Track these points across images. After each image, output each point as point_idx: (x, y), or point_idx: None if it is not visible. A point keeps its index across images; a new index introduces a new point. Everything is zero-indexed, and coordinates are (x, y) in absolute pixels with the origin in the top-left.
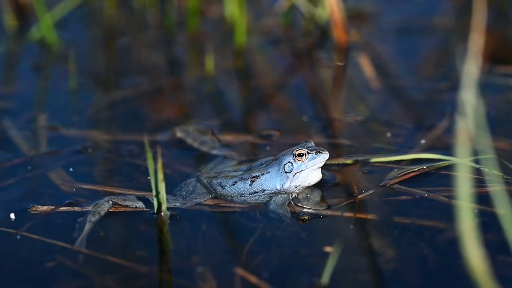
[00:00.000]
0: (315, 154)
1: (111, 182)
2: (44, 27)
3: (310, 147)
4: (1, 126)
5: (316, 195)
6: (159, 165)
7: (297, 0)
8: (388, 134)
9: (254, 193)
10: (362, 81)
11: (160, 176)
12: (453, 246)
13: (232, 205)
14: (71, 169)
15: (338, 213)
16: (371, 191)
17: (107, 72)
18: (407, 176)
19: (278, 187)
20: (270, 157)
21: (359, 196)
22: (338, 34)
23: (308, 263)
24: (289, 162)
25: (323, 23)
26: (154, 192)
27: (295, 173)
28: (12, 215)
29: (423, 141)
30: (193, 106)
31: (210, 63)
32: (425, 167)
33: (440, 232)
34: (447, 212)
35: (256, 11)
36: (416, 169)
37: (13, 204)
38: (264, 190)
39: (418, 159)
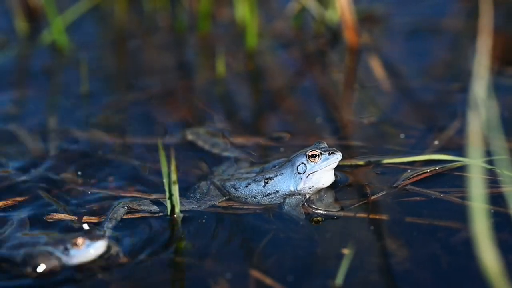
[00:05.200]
0: (328, 155)
1: (123, 185)
2: (56, 30)
3: (323, 148)
4: (13, 130)
5: (329, 197)
6: (173, 167)
7: (308, 3)
8: (402, 135)
9: (267, 194)
10: (374, 83)
11: (174, 178)
12: (467, 247)
13: (245, 207)
14: (79, 173)
15: (351, 214)
16: (384, 192)
17: (118, 75)
18: (419, 177)
19: (292, 189)
20: (283, 159)
21: (372, 197)
22: (349, 36)
23: (322, 264)
24: (302, 163)
25: (334, 25)
26: (167, 195)
27: (309, 174)
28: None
29: (436, 142)
30: (204, 108)
31: (221, 65)
32: (437, 168)
33: (453, 233)
34: (460, 213)
35: (267, 14)
36: (428, 170)
37: (29, 210)
38: (277, 191)
39: (431, 160)
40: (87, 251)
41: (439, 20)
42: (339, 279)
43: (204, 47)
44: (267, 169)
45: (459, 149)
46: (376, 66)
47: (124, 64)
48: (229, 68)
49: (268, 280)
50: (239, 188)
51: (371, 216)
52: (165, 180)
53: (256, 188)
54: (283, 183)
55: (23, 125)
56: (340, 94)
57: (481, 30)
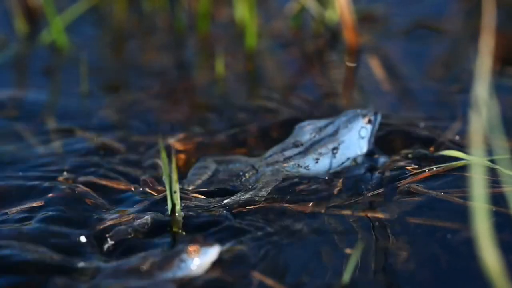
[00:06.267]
0: (374, 115)
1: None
2: (55, 30)
3: (366, 111)
4: (13, 130)
5: (329, 194)
6: (173, 166)
7: (307, 3)
8: (422, 124)
9: (341, 163)
10: (373, 83)
11: (174, 176)
12: (468, 247)
13: (246, 205)
14: (65, 173)
15: (349, 213)
16: (384, 191)
17: (118, 75)
18: (420, 177)
19: (359, 152)
20: (310, 131)
21: (369, 195)
22: (349, 36)
23: (321, 264)
24: (363, 127)
25: (333, 25)
26: (168, 192)
27: (370, 136)
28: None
29: (443, 140)
30: (204, 108)
31: (220, 65)
32: (434, 168)
33: (454, 232)
34: (461, 213)
35: (266, 14)
36: (426, 170)
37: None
38: (348, 158)
39: (433, 157)
40: (205, 258)
41: (439, 20)
42: (346, 277)
43: (204, 47)
44: (287, 146)
45: (460, 150)
46: (376, 66)
47: (124, 64)
48: (229, 68)
49: (269, 281)
50: (309, 166)
51: (370, 214)
52: (165, 179)
53: (328, 161)
54: (350, 150)
55: (24, 125)
56: (340, 94)
57: (483, 30)
